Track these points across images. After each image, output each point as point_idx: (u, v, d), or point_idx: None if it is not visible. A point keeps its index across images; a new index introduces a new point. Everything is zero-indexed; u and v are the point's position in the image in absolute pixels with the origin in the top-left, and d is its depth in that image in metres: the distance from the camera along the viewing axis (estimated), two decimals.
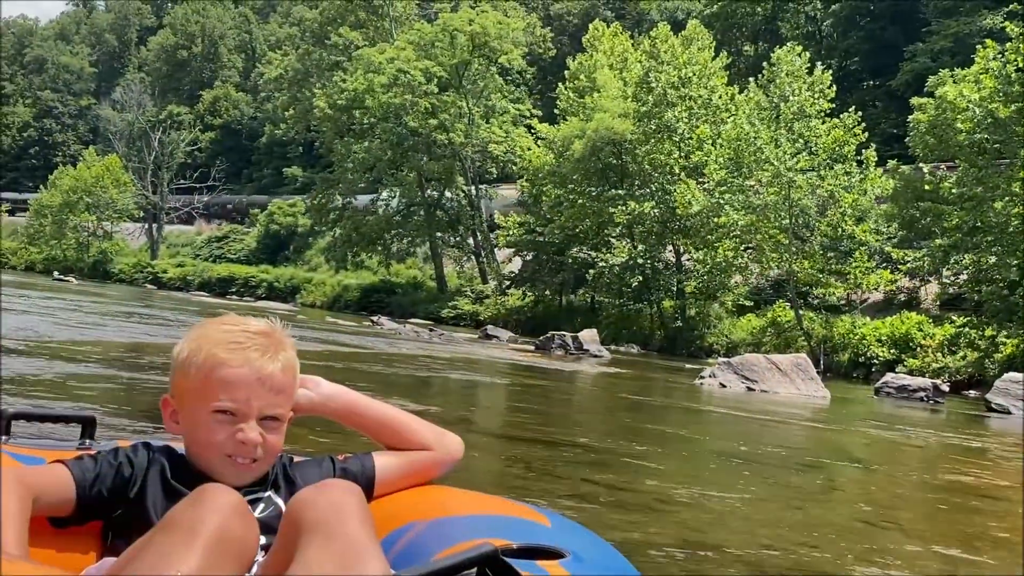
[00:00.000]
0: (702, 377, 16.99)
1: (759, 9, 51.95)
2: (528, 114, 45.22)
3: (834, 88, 28.59)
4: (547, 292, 37.54)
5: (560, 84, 40.32)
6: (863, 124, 27.96)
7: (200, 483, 1.74)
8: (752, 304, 30.93)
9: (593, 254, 34.42)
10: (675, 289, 33.00)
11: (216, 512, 1.38)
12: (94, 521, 1.77)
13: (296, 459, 1.95)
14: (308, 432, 5.59)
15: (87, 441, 2.10)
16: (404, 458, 1.98)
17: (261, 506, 1.77)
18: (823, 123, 28.02)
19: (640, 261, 32.59)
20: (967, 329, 23.97)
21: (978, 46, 25.69)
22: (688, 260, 33.35)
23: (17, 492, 1.61)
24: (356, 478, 1.89)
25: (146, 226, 62.36)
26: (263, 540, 1.62)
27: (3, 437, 2.04)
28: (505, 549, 1.53)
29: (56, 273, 51.13)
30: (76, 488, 1.73)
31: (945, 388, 18.60)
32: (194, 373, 1.77)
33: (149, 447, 1.84)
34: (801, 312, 27.67)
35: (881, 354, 24.98)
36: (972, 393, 21.09)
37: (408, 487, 1.95)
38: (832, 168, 27.45)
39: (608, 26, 41.54)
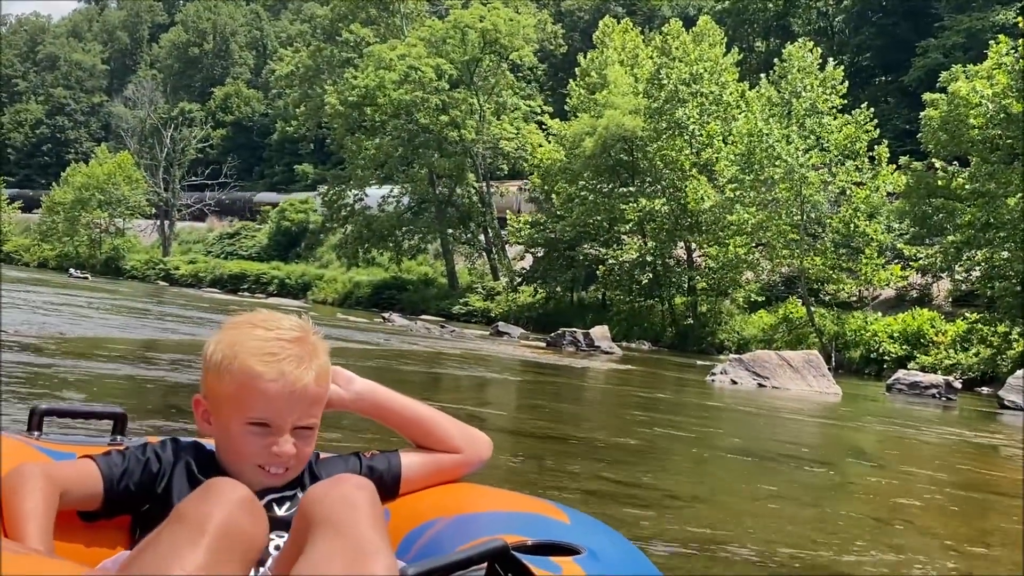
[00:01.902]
0: (713, 374, 16.99)
1: (770, 5, 51.74)
2: (539, 111, 45.19)
3: (846, 84, 28.49)
4: (558, 289, 37.52)
5: (571, 81, 40.29)
6: (875, 120, 27.87)
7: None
8: (763, 301, 30.88)
9: (604, 251, 34.42)
10: (686, 285, 32.97)
11: (223, 506, 1.38)
12: (123, 515, 1.79)
13: (323, 455, 1.95)
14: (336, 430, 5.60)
15: (118, 437, 2.11)
16: (431, 457, 1.99)
17: (287, 505, 1.78)
18: (835, 119, 27.94)
19: (650, 258, 32.57)
20: (979, 325, 23.90)
21: (991, 41, 25.60)
22: (699, 256, 33.32)
23: (43, 487, 1.64)
24: (382, 476, 1.91)
25: (158, 223, 62.47)
26: (285, 536, 1.62)
27: (35, 433, 2.06)
28: (520, 545, 1.54)
29: (73, 270, 51.07)
30: (103, 483, 1.75)
31: (957, 385, 18.54)
32: (228, 380, 1.76)
33: (177, 443, 1.86)
34: (813, 309, 27.62)
35: (893, 351, 24.92)
36: (985, 390, 21.03)
37: (434, 485, 1.96)
38: (844, 165, 27.39)
39: (619, 22, 41.47)
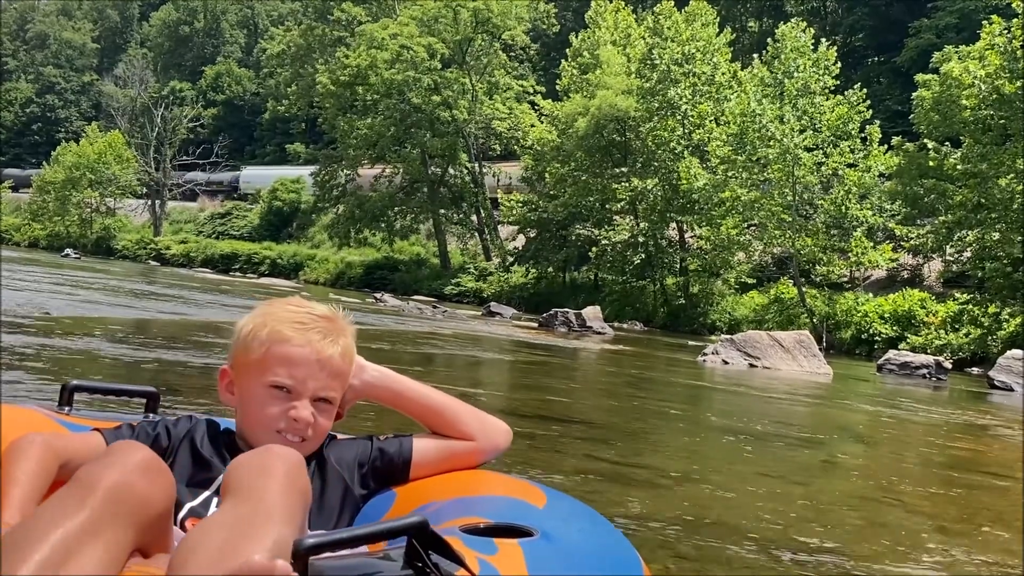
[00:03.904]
0: (705, 354, 17.02)
1: None
2: (532, 91, 45.07)
3: (839, 65, 28.46)
4: (550, 269, 37.53)
5: (563, 61, 40.16)
6: (867, 101, 27.85)
7: (232, 453, 1.80)
8: (755, 281, 30.92)
9: (596, 231, 34.40)
10: (678, 266, 32.98)
11: (117, 468, 1.39)
12: None
13: (339, 437, 1.98)
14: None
15: (151, 415, 2.13)
16: (445, 443, 1.99)
17: None
18: (827, 100, 27.91)
19: (642, 239, 32.57)
20: (970, 306, 23.97)
21: (984, 22, 25.56)
22: (691, 237, 33.35)
23: (39, 455, 1.66)
24: (392, 459, 1.94)
25: (149, 202, 62.27)
26: None
27: (66, 408, 2.10)
28: (472, 527, 1.56)
29: (71, 251, 50.68)
30: None
31: (948, 365, 18.62)
32: (256, 347, 1.84)
33: (191, 420, 1.90)
34: (804, 289, 27.67)
35: (884, 331, 24.99)
36: (975, 370, 21.12)
37: (448, 471, 1.97)
38: (837, 146, 27.38)
39: (611, 2, 41.28)
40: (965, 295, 24.70)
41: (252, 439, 1.82)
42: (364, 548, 1.48)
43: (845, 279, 29.73)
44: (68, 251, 50.24)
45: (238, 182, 63.38)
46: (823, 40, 29.29)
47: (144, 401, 2.22)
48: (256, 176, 62.27)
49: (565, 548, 1.54)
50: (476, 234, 44.60)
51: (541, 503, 1.74)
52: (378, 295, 31.52)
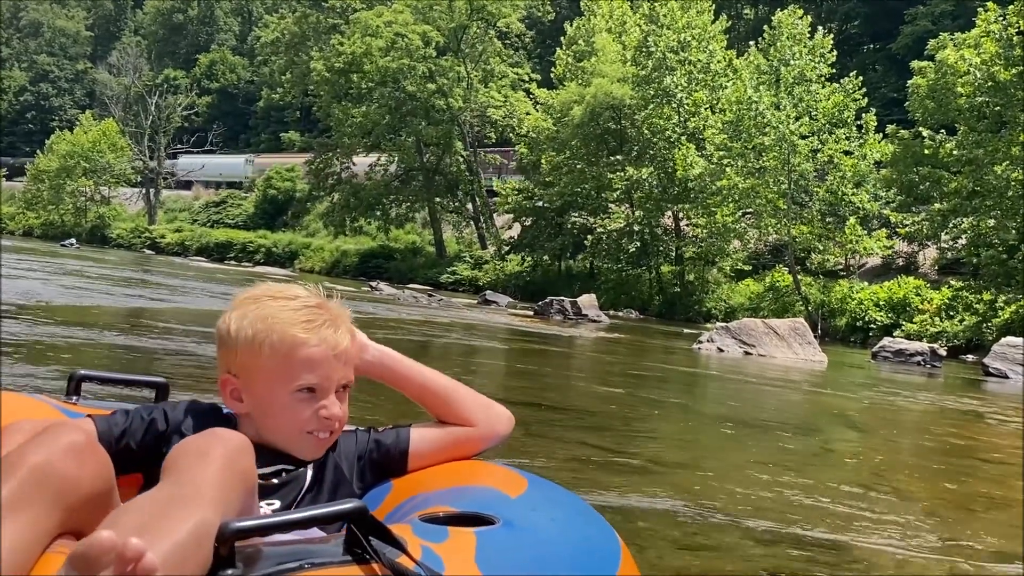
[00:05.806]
0: (700, 342, 17.03)
1: None
2: (527, 78, 44.99)
3: (834, 52, 28.41)
4: (546, 257, 37.53)
5: (559, 49, 40.09)
6: (863, 89, 27.83)
7: None
8: (750, 269, 30.95)
9: (592, 219, 34.36)
10: (674, 254, 32.99)
11: (45, 448, 1.38)
12: (135, 474, 1.79)
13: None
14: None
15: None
16: (443, 432, 1.96)
17: (283, 476, 1.79)
18: (823, 87, 27.88)
19: (638, 227, 32.56)
20: (965, 293, 24.00)
21: (979, 9, 25.54)
22: (687, 225, 33.35)
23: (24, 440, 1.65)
24: (389, 450, 1.91)
25: (143, 191, 62.11)
26: (276, 504, 1.69)
27: (73, 398, 2.09)
28: (431, 516, 1.56)
29: (73, 241, 50.38)
30: (99, 442, 1.76)
31: (942, 352, 18.63)
32: (268, 353, 1.78)
33: (193, 404, 1.88)
34: (799, 277, 27.69)
35: (879, 319, 25.02)
36: (970, 357, 21.13)
37: (448, 460, 1.93)
38: (832, 133, 27.36)
39: None
40: (960, 282, 24.73)
41: (280, 442, 1.80)
42: (316, 532, 1.47)
43: (840, 267, 29.76)
44: (72, 240, 50.03)
45: (174, 170, 63.04)
46: (819, 28, 29.23)
47: (154, 391, 2.20)
48: (194, 164, 62.20)
49: (525, 537, 1.52)
50: (472, 222, 44.57)
51: (517, 492, 1.71)
52: (374, 283, 31.52)
